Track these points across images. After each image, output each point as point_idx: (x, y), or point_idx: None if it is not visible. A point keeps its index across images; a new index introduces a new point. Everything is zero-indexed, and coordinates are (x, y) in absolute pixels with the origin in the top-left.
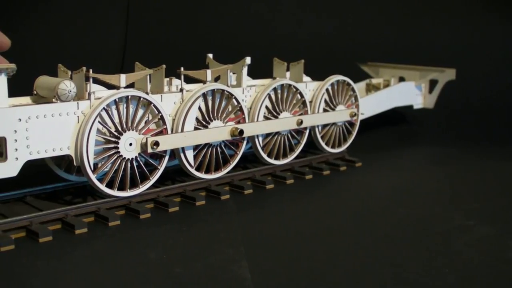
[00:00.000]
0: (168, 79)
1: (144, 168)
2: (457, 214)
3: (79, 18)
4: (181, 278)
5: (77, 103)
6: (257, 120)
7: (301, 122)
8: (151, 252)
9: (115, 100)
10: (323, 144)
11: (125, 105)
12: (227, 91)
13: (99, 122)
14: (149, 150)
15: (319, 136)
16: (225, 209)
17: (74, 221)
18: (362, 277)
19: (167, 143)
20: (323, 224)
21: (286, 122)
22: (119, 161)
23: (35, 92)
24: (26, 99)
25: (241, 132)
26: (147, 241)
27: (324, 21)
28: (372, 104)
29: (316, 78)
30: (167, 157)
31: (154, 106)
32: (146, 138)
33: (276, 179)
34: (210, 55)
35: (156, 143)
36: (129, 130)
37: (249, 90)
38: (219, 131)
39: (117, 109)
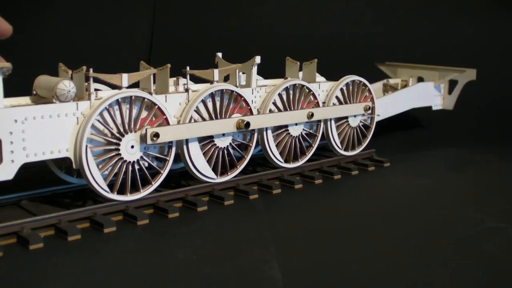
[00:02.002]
0: (175, 78)
1: (146, 172)
2: (486, 216)
3: (104, 15)
4: (211, 278)
5: (77, 103)
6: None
7: (312, 115)
8: (180, 251)
9: (116, 100)
10: (336, 146)
11: (126, 106)
12: (235, 92)
13: (99, 123)
14: (149, 142)
15: (332, 138)
16: (253, 208)
17: (103, 219)
18: (393, 277)
19: (168, 134)
20: (352, 224)
21: (296, 115)
22: (120, 163)
23: (34, 92)
24: (26, 99)
25: (248, 124)
26: (176, 241)
27: (342, 20)
28: (389, 105)
29: (333, 79)
30: (171, 161)
31: (158, 107)
32: (146, 129)
33: (304, 179)
34: (219, 54)
35: (156, 135)
36: (131, 132)
37: (259, 91)
38: (224, 123)
39: (119, 110)
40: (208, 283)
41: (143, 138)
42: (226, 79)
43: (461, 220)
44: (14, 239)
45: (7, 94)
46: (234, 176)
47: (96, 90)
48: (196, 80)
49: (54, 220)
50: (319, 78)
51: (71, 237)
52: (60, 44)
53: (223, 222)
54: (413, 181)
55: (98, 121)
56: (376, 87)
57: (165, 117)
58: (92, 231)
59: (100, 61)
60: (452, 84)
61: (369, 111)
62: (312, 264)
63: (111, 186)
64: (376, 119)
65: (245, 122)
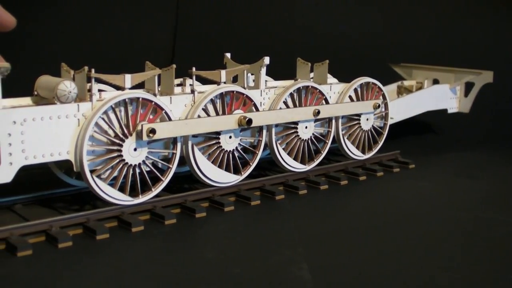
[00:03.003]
0: (182, 79)
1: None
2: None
3: (127, 12)
4: (240, 278)
5: (78, 105)
6: (275, 125)
7: (318, 112)
8: (208, 251)
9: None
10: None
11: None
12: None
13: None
14: (145, 138)
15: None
16: (280, 209)
17: (131, 219)
18: (423, 279)
19: (165, 130)
20: (379, 225)
21: (301, 112)
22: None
23: (35, 93)
24: (27, 100)
25: (250, 121)
26: (204, 241)
27: (357, 20)
28: (403, 107)
29: (347, 80)
30: (176, 162)
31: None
32: (142, 125)
33: (330, 180)
34: (228, 55)
35: (153, 131)
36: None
37: (268, 92)
38: (225, 120)
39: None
40: (238, 283)
41: (139, 135)
42: (234, 80)
43: (487, 222)
44: (43, 237)
45: (10, 94)
46: (261, 177)
47: (100, 91)
48: (206, 81)
49: (82, 219)
50: (332, 79)
51: (99, 236)
52: (81, 44)
53: (250, 222)
54: (436, 183)
55: (100, 123)
56: (390, 89)
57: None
58: (120, 230)
59: (120, 62)
60: (469, 86)
61: (379, 109)
62: (341, 264)
63: (132, 186)
64: (390, 122)
65: (247, 119)
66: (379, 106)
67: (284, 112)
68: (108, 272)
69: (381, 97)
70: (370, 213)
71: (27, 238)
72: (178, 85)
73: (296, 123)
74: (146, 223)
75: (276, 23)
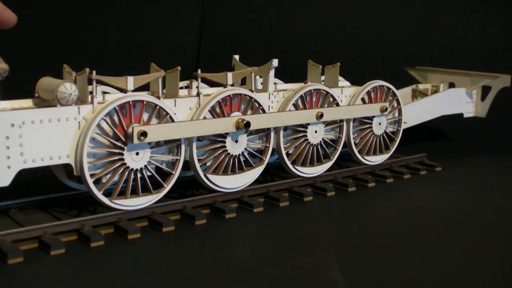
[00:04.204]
0: (188, 81)
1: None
2: None
3: (151, 13)
4: (272, 279)
5: (78, 107)
6: (284, 129)
7: (321, 115)
8: (239, 252)
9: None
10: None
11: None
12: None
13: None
14: (135, 141)
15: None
16: (308, 210)
17: (162, 218)
18: (458, 285)
19: (157, 133)
20: (408, 226)
21: (303, 115)
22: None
23: (36, 95)
24: (28, 102)
25: (247, 124)
26: (235, 241)
27: (372, 22)
28: (417, 111)
29: (361, 83)
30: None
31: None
32: (132, 128)
33: (358, 182)
34: (236, 57)
35: (144, 134)
36: None
37: (276, 96)
38: (222, 122)
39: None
40: (270, 283)
41: (130, 137)
42: (243, 83)
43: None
44: (75, 236)
45: (13, 96)
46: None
47: (104, 93)
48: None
49: (113, 218)
50: (344, 82)
51: (131, 235)
52: (105, 46)
53: (279, 223)
54: (463, 187)
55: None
56: (404, 93)
57: None
58: (151, 229)
59: (144, 64)
60: (485, 90)
61: (391, 114)
62: (372, 267)
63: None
64: (403, 126)
65: (244, 122)
66: (386, 109)
67: (285, 115)
68: (141, 271)
69: (395, 101)
70: (399, 215)
71: (60, 237)
72: (185, 87)
73: (305, 126)
74: (176, 223)
75: (306, 24)
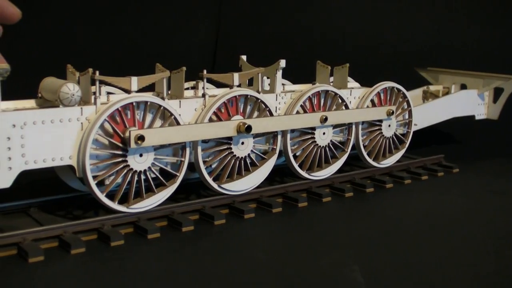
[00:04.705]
0: (195, 82)
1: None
2: None
3: (168, 14)
4: (294, 279)
5: (81, 108)
6: (291, 131)
7: (326, 119)
8: (259, 252)
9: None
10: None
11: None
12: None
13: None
14: (133, 146)
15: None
16: (327, 211)
17: (181, 218)
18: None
19: (155, 137)
20: (428, 227)
21: (306, 118)
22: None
23: (39, 95)
24: (31, 102)
25: (249, 128)
26: (254, 241)
27: (384, 23)
28: (428, 113)
29: (372, 84)
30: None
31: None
32: (129, 131)
33: (376, 183)
34: (244, 57)
35: (141, 138)
36: None
37: (284, 97)
38: (222, 126)
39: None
40: (291, 284)
41: (126, 141)
42: (250, 84)
43: None
44: (95, 235)
45: (18, 96)
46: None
47: (108, 93)
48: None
49: (133, 218)
50: (353, 83)
51: (150, 235)
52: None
53: (298, 223)
54: (482, 187)
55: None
56: (415, 94)
57: None
58: (171, 230)
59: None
60: (498, 92)
61: (401, 116)
62: (392, 267)
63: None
64: (414, 128)
65: (246, 125)
66: (393, 112)
67: (287, 119)
68: (161, 270)
69: (405, 103)
70: (418, 215)
71: (80, 236)
72: (191, 88)
73: (313, 128)
74: (195, 223)
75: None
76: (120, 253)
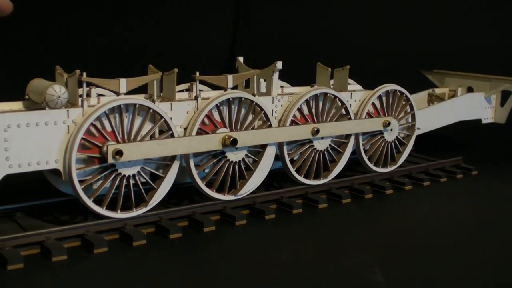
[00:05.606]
0: (189, 84)
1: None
2: None
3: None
4: (316, 280)
5: (67, 110)
6: None
7: (317, 131)
8: (281, 253)
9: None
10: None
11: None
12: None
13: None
14: (110, 160)
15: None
16: (347, 212)
17: (202, 219)
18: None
19: (134, 152)
20: (448, 229)
21: (296, 130)
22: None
23: (27, 97)
24: (18, 105)
25: (234, 141)
26: (275, 242)
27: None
28: (433, 117)
29: (375, 87)
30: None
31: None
32: (107, 146)
33: (395, 185)
34: (241, 58)
35: (119, 152)
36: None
37: (280, 100)
38: (206, 139)
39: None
40: (312, 285)
41: (104, 155)
42: (247, 86)
43: None
44: (117, 235)
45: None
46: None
47: (99, 95)
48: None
49: (155, 218)
50: (355, 86)
51: (172, 235)
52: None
53: (319, 225)
54: (497, 190)
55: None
56: (420, 97)
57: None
58: (192, 230)
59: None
60: (505, 95)
61: (404, 119)
62: (413, 269)
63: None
64: (417, 132)
65: (231, 139)
66: (389, 124)
67: (276, 131)
68: (183, 270)
69: (408, 106)
70: (438, 217)
71: (102, 235)
72: (186, 90)
73: None
74: (217, 223)
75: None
76: (142, 252)
